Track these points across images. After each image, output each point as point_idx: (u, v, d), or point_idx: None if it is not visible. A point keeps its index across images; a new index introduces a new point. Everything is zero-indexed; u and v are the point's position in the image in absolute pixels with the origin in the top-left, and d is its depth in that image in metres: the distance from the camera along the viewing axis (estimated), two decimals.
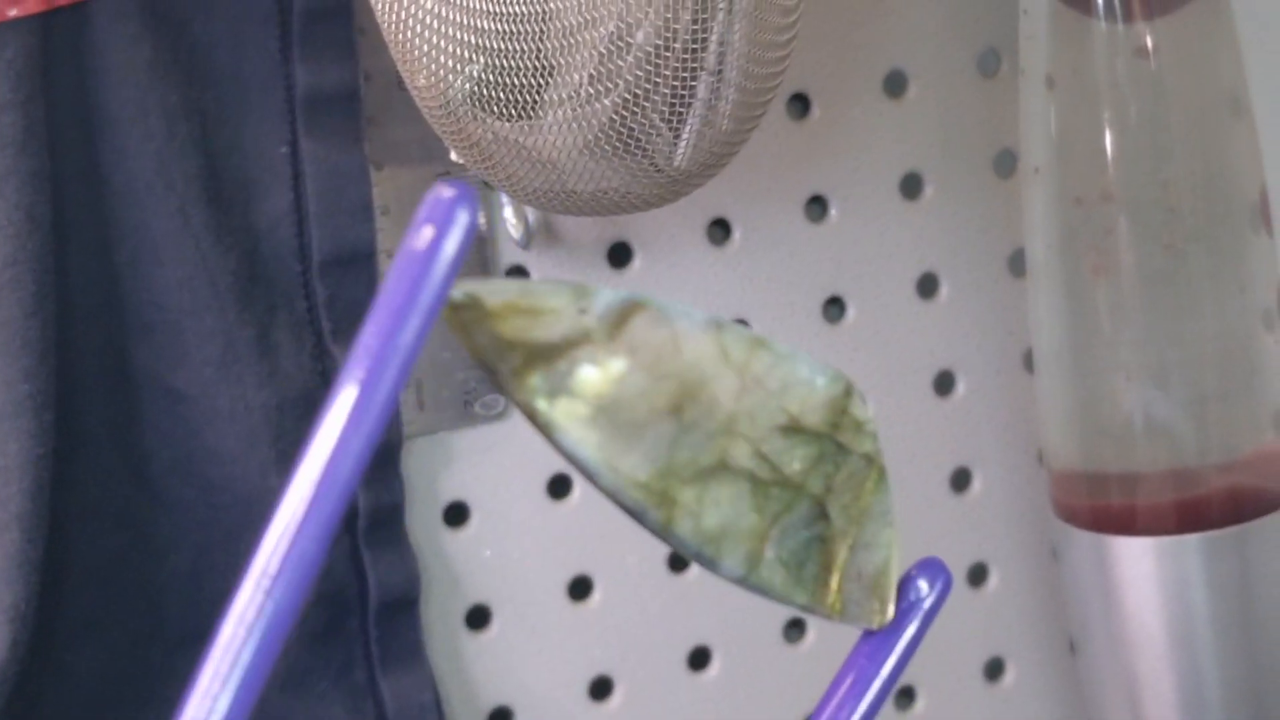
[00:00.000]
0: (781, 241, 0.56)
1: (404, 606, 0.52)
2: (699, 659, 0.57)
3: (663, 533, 0.25)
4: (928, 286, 0.58)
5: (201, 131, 0.49)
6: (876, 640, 0.27)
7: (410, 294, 0.21)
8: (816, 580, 0.27)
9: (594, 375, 0.25)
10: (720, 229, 0.55)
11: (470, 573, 0.54)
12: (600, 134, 0.42)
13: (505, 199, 0.51)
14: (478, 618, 0.54)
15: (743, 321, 0.56)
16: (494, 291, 0.24)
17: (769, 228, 0.56)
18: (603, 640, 0.56)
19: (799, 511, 0.26)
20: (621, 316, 0.25)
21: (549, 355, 0.24)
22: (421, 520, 0.53)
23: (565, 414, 0.24)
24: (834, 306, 0.57)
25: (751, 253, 0.55)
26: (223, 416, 0.49)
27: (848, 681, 0.27)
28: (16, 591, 0.46)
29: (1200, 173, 0.50)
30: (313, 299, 0.50)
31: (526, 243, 0.52)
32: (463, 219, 0.22)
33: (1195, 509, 0.51)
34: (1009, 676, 0.61)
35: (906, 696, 0.60)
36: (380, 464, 0.52)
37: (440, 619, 0.54)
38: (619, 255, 0.54)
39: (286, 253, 0.50)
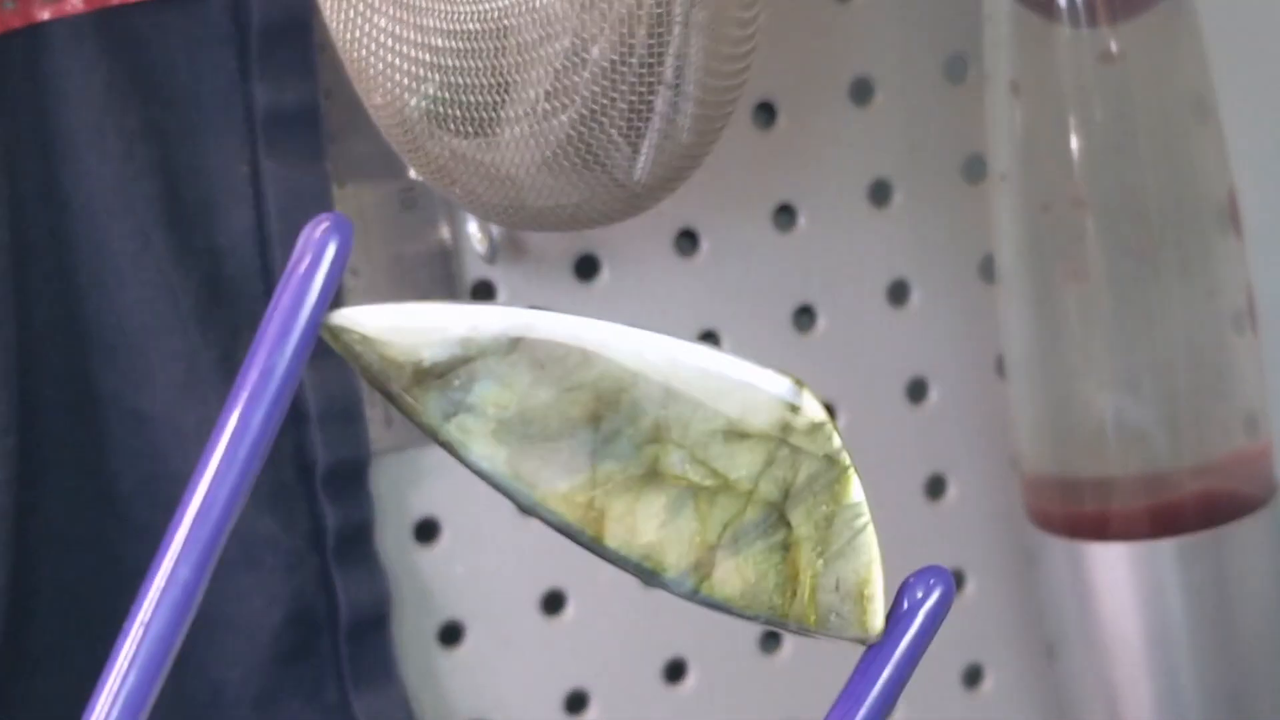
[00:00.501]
0: (750, 251, 0.56)
1: (375, 624, 0.52)
2: (674, 671, 0.57)
3: (596, 548, 0.25)
4: (898, 294, 0.58)
5: (161, 152, 0.48)
6: (870, 655, 0.26)
7: (284, 321, 0.22)
8: (781, 591, 0.26)
9: (493, 389, 0.24)
10: (688, 240, 0.55)
11: (442, 589, 0.54)
12: (558, 149, 0.42)
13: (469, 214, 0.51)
14: (450, 634, 0.54)
15: (712, 333, 0.56)
16: (375, 314, 0.24)
17: (737, 238, 0.55)
18: (577, 655, 0.55)
19: (752, 518, 0.25)
20: (519, 329, 0.24)
21: (441, 373, 0.24)
22: (392, 537, 0.53)
23: (467, 431, 0.24)
24: (804, 315, 0.57)
25: (720, 263, 0.55)
26: (188, 438, 0.49)
27: (843, 701, 0.26)
28: None
29: (1168, 176, 0.50)
30: None
31: (492, 257, 0.52)
32: (331, 250, 0.23)
33: (1169, 513, 0.51)
34: (987, 683, 0.61)
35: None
36: (348, 482, 0.51)
37: (413, 636, 0.53)
38: (586, 268, 0.54)
39: (249, 273, 0.50)
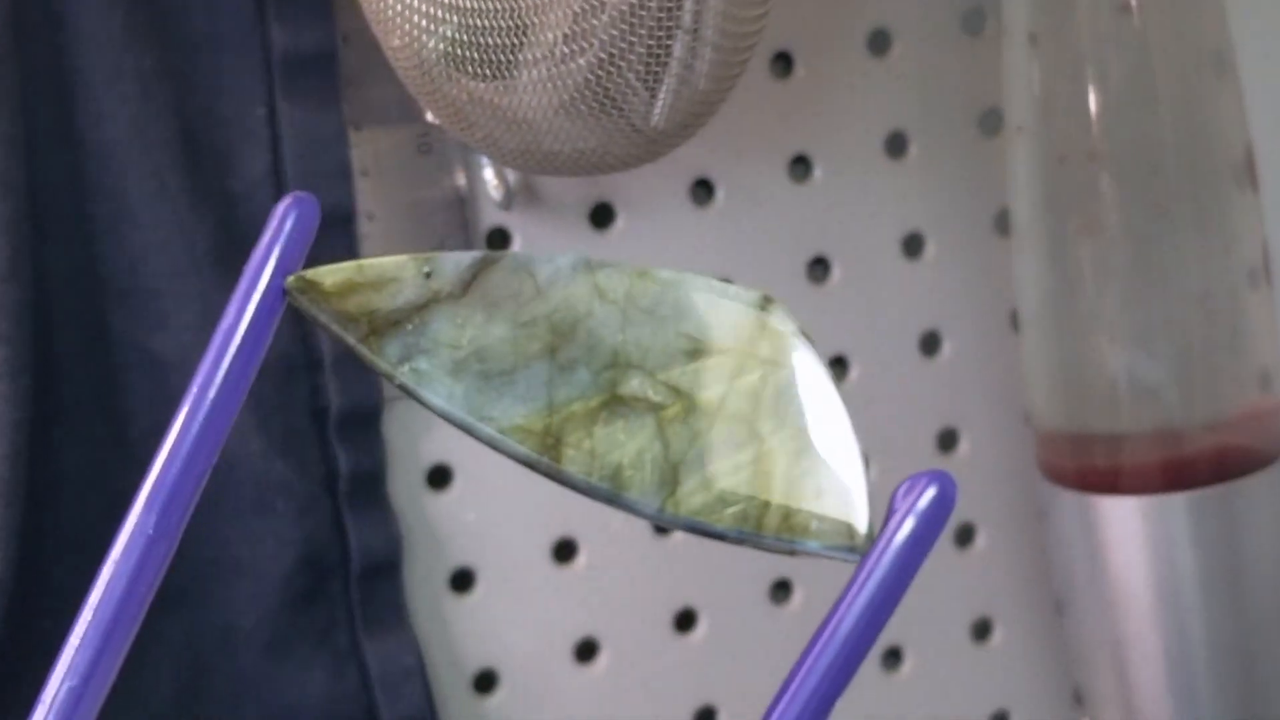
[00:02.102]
0: (765, 202, 0.55)
1: (386, 570, 0.52)
2: (685, 620, 0.57)
3: (557, 474, 0.25)
4: (913, 246, 0.58)
5: (177, 95, 0.48)
6: (860, 566, 0.24)
7: (247, 288, 0.25)
8: (754, 502, 0.25)
9: (447, 329, 0.25)
10: (703, 189, 0.55)
11: (453, 535, 0.54)
12: (576, 94, 0.42)
13: (486, 160, 0.51)
14: (461, 580, 0.54)
15: (726, 282, 0.56)
16: (331, 272, 0.25)
17: (752, 188, 0.55)
18: (588, 602, 0.56)
19: (720, 434, 0.25)
20: (472, 273, 0.25)
21: (396, 320, 0.24)
22: (403, 483, 0.53)
23: (421, 372, 0.24)
24: (819, 267, 0.57)
25: (735, 213, 0.55)
26: None
27: (834, 616, 0.24)
28: None
29: (1185, 130, 0.50)
30: None
31: (508, 204, 0.52)
32: (290, 223, 0.25)
33: (1181, 468, 0.51)
34: (996, 636, 0.61)
35: (894, 657, 0.60)
36: (361, 427, 0.51)
37: (423, 582, 0.53)
38: (601, 216, 0.54)
39: (265, 216, 0.49)
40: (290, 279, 0.25)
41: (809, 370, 0.25)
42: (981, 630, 0.61)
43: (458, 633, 0.54)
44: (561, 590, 0.55)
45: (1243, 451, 0.51)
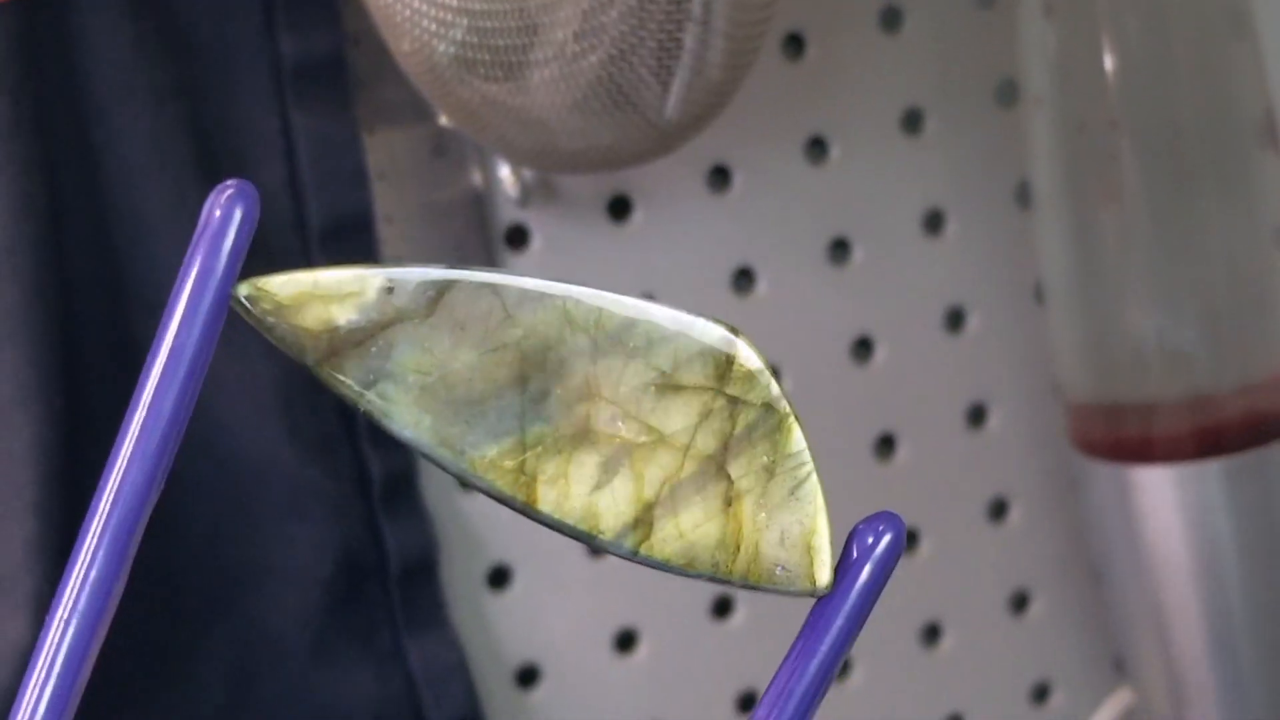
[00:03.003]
0: (783, 185, 0.55)
1: (424, 570, 0.53)
2: (723, 607, 0.57)
3: (530, 513, 0.24)
4: (934, 222, 0.58)
5: (191, 109, 0.48)
6: (819, 608, 0.25)
7: (192, 297, 0.22)
8: (723, 547, 0.25)
9: (413, 353, 0.23)
10: (720, 176, 0.55)
11: (489, 533, 0.54)
12: (588, 91, 0.42)
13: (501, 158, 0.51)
14: (499, 577, 0.54)
15: (747, 270, 0.55)
16: (285, 283, 0.23)
17: (769, 172, 0.55)
18: (625, 593, 0.56)
19: (690, 473, 0.24)
20: (436, 292, 0.23)
21: (359, 340, 0.23)
22: (436, 483, 0.53)
23: (388, 399, 0.23)
24: (840, 248, 0.57)
25: (753, 198, 0.55)
26: (231, 391, 0.49)
27: (792, 656, 0.25)
28: (36, 577, 0.46)
29: (1204, 95, 0.50)
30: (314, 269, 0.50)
31: (525, 200, 0.52)
32: (237, 217, 0.22)
33: (1213, 435, 0.51)
34: (1035, 608, 0.61)
35: (933, 633, 0.60)
36: None
37: (461, 580, 0.54)
38: (619, 208, 0.54)
39: (284, 225, 0.50)
40: (242, 286, 0.23)
41: (774, 410, 0.25)
42: (1019, 602, 0.61)
43: (498, 629, 0.54)
44: (599, 582, 0.55)
45: (1275, 415, 0.51)
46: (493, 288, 0.24)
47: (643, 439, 0.24)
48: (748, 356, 0.25)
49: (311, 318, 0.23)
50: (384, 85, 0.50)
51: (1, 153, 0.45)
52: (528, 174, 0.51)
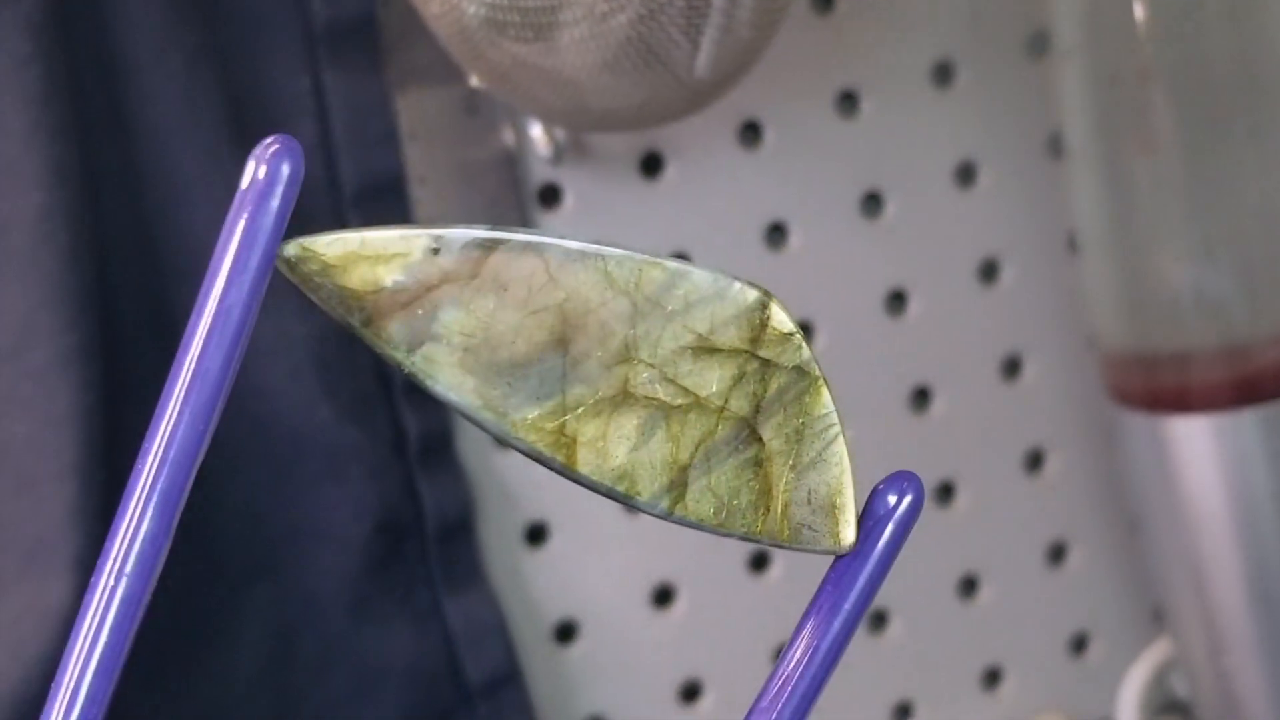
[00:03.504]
0: (814, 140, 0.55)
1: (461, 528, 0.53)
2: (759, 562, 0.57)
3: (568, 473, 0.24)
4: (966, 175, 0.58)
5: (223, 71, 0.49)
6: (841, 565, 0.26)
7: (238, 256, 0.22)
8: (754, 508, 0.25)
9: (458, 316, 0.23)
10: (752, 131, 0.55)
11: (525, 491, 0.54)
12: (619, 50, 0.42)
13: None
14: (536, 534, 0.55)
15: (779, 224, 0.55)
16: (332, 243, 0.23)
17: (801, 127, 0.55)
18: (662, 548, 0.56)
19: (724, 435, 0.25)
20: (482, 252, 0.24)
21: (404, 301, 0.23)
22: (472, 442, 0.53)
23: (433, 360, 0.23)
24: (872, 201, 0.57)
25: (785, 153, 0.55)
26: (266, 352, 0.50)
27: (815, 612, 0.25)
28: (77, 541, 0.46)
29: (1236, 43, 0.49)
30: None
31: (557, 159, 0.52)
32: (285, 173, 0.22)
33: (1250, 383, 0.51)
34: (1073, 559, 0.61)
35: (970, 586, 0.60)
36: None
37: (498, 538, 0.54)
38: (651, 165, 0.54)
39: (317, 187, 0.50)
40: (288, 246, 0.23)
41: (805, 373, 0.25)
42: (1057, 554, 0.61)
43: (535, 586, 0.55)
44: (635, 537, 0.56)
45: None
46: (536, 248, 0.24)
47: (679, 401, 0.25)
48: (780, 320, 0.25)
49: (358, 278, 0.23)
50: (415, 46, 0.50)
51: (35, 118, 0.45)
52: (559, 133, 0.51)
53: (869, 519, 0.25)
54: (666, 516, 0.25)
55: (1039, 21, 0.56)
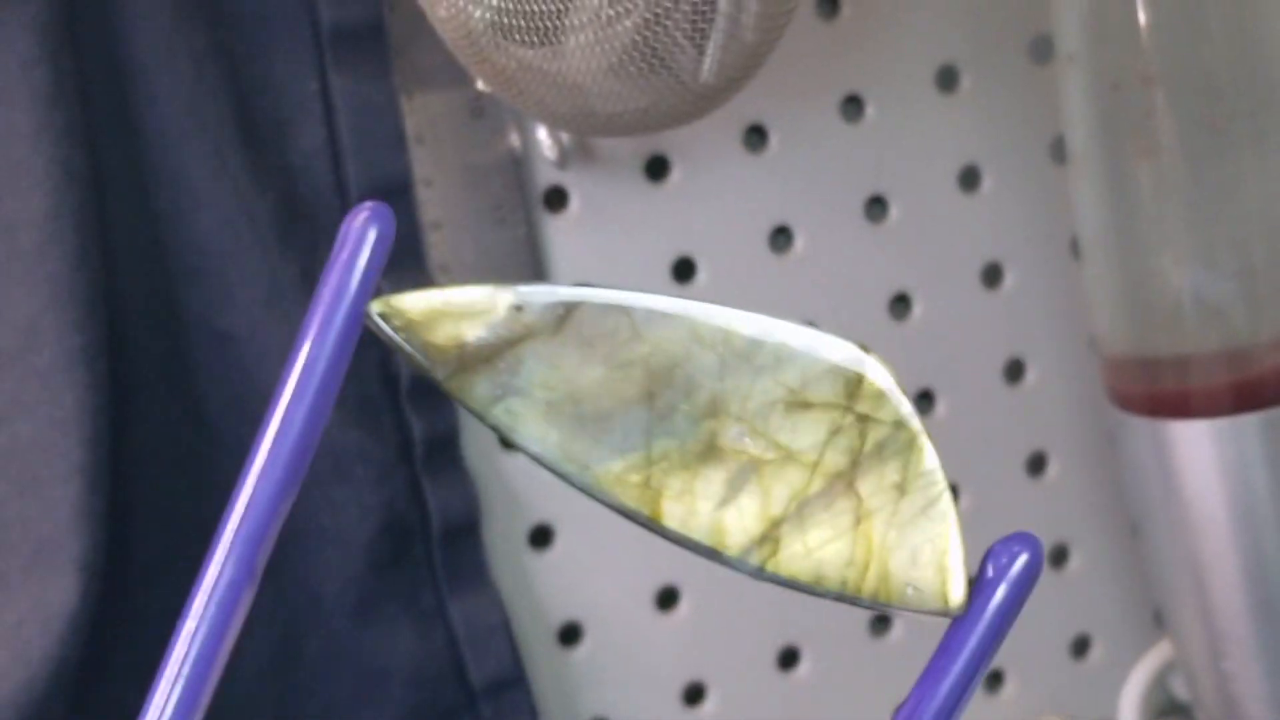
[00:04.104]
0: (819, 144, 0.55)
1: (466, 530, 0.53)
2: None
3: (654, 527, 0.24)
4: (970, 179, 0.58)
5: (230, 73, 0.49)
6: (951, 630, 0.24)
7: (326, 315, 0.22)
8: (853, 565, 0.24)
9: (541, 370, 0.23)
10: (757, 135, 0.55)
11: (530, 493, 0.54)
12: (624, 55, 0.42)
13: None
14: (541, 537, 0.55)
15: (784, 228, 0.56)
16: (417, 300, 0.23)
17: (806, 131, 0.55)
18: (666, 551, 0.56)
19: (819, 491, 0.24)
20: (565, 310, 0.24)
21: (488, 356, 0.23)
22: (478, 445, 0.53)
23: (516, 414, 0.23)
24: (876, 206, 0.57)
25: (790, 157, 0.55)
26: (272, 354, 0.50)
27: (925, 679, 0.24)
28: (83, 541, 0.46)
29: (1238, 48, 0.50)
30: None
31: (563, 162, 0.52)
32: (371, 237, 0.23)
33: (1251, 388, 0.51)
34: (1073, 562, 0.62)
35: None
36: (432, 393, 0.52)
37: (503, 540, 0.54)
38: (656, 168, 0.54)
39: (324, 188, 0.50)
40: (375, 304, 0.23)
41: (905, 428, 0.25)
42: (1059, 556, 0.61)
43: (540, 588, 0.55)
44: (640, 539, 0.55)
45: None
46: (621, 307, 0.24)
47: (770, 455, 0.24)
48: (878, 374, 0.25)
49: (442, 334, 0.23)
50: (421, 50, 0.51)
51: (42, 120, 0.45)
52: (565, 136, 0.52)
53: (981, 580, 0.24)
54: (758, 574, 0.24)
55: (1042, 27, 0.57)
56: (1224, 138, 0.50)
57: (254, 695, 0.51)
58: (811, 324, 0.25)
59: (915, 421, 0.25)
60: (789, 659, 0.58)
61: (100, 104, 0.48)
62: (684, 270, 0.55)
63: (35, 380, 0.46)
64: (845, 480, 0.24)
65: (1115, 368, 0.53)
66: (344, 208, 0.51)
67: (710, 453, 0.24)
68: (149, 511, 0.50)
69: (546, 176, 0.53)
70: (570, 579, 0.55)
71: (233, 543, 0.23)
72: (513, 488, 0.54)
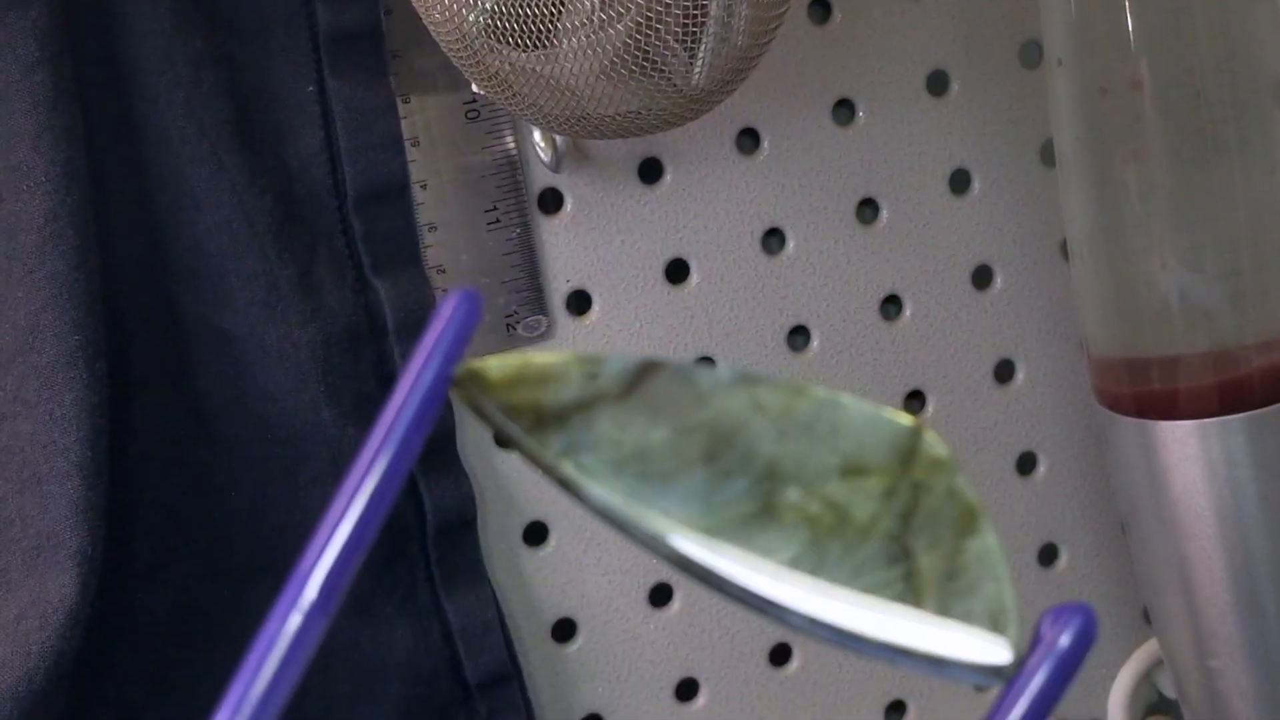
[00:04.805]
0: (811, 147, 0.56)
1: (462, 528, 0.53)
2: None
3: (715, 583, 0.24)
4: (960, 182, 0.58)
5: (228, 76, 0.49)
6: (1004, 696, 0.24)
7: (413, 385, 0.24)
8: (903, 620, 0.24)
9: (610, 428, 0.25)
10: (749, 138, 0.56)
11: (525, 491, 0.55)
12: (617, 58, 0.43)
13: None
14: (535, 534, 0.55)
15: (776, 230, 0.56)
16: (498, 366, 0.25)
17: (798, 134, 0.56)
18: None
19: (873, 551, 0.25)
20: (637, 378, 0.25)
21: (562, 416, 0.25)
22: (474, 443, 0.54)
23: (584, 469, 0.24)
24: (867, 208, 0.57)
25: (782, 160, 0.56)
26: (271, 355, 0.50)
27: None
28: (82, 537, 0.47)
29: (1225, 55, 0.50)
30: (350, 234, 0.51)
31: (557, 165, 0.52)
32: (456, 318, 0.25)
33: (1237, 389, 0.51)
34: (1062, 561, 0.62)
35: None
36: None
37: (499, 538, 0.55)
38: (650, 170, 0.55)
39: (321, 190, 0.51)
40: (458, 368, 0.25)
41: (960, 495, 0.25)
42: (1048, 556, 0.62)
43: (534, 585, 0.55)
44: None
45: None
46: (689, 373, 0.25)
47: (826, 516, 0.25)
48: (932, 445, 0.25)
49: (518, 397, 0.25)
50: (418, 53, 0.51)
51: (43, 121, 0.46)
52: (559, 139, 0.52)
53: (1034, 646, 0.24)
54: (810, 627, 0.24)
55: (1031, 32, 0.57)
56: (1211, 141, 0.50)
57: None
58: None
59: (969, 493, 0.25)
60: (781, 655, 0.59)
61: (100, 107, 0.48)
62: (677, 272, 0.55)
63: (35, 378, 0.46)
64: (898, 541, 0.25)
65: (1103, 368, 0.54)
66: (341, 210, 0.51)
67: (769, 511, 0.25)
68: (148, 508, 0.50)
69: (541, 179, 0.53)
70: (564, 576, 0.56)
71: (314, 598, 0.25)
72: (508, 485, 0.55)
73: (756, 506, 0.25)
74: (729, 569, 0.24)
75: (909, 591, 0.24)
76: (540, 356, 0.25)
